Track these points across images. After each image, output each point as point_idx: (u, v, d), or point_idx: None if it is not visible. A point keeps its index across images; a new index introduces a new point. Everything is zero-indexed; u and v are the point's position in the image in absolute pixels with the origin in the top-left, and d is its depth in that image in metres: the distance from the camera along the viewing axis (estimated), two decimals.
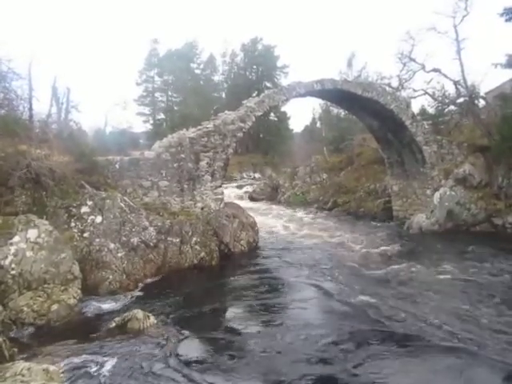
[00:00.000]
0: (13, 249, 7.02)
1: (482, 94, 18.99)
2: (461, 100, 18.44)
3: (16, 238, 7.15)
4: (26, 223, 7.42)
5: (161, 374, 5.14)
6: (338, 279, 9.22)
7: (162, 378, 5.06)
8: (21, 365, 3.85)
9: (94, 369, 5.16)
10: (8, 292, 6.68)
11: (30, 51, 17.78)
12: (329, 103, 32.10)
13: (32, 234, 7.34)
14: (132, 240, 9.24)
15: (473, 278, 8.98)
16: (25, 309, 6.60)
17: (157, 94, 59.29)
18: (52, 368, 3.79)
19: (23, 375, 3.39)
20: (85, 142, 15.30)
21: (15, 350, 5.18)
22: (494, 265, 9.96)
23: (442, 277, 9.17)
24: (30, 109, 16.64)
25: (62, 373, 4.44)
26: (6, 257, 6.89)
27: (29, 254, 7.12)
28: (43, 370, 3.72)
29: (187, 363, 5.44)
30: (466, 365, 5.28)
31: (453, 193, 14.91)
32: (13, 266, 6.89)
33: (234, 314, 7.39)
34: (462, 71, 17.48)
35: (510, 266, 9.76)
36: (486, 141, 15.95)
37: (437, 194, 15.15)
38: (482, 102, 18.90)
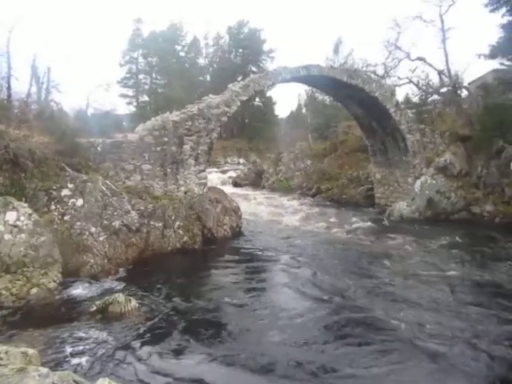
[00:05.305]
0: None
1: (465, 84, 19.24)
2: (444, 89, 18.66)
3: None
4: (4, 205, 7.28)
5: (141, 357, 5.16)
6: (315, 264, 9.40)
7: (142, 361, 5.08)
8: None
9: (74, 352, 5.15)
10: None
11: (8, 27, 17.13)
12: (314, 89, 32.03)
13: (11, 216, 7.22)
14: (114, 224, 9.16)
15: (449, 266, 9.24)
16: (3, 292, 6.52)
17: (141, 76, 58.18)
18: (31, 351, 3.74)
19: (1, 358, 3.35)
20: (66, 122, 14.93)
21: None
22: (468, 250, 10.31)
23: (415, 263, 9.42)
24: (9, 88, 16.18)
25: (41, 356, 4.41)
26: None
27: (7, 236, 7.01)
28: (22, 353, 3.68)
29: (168, 346, 5.48)
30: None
31: (433, 181, 15.16)
32: None
33: (216, 296, 7.45)
34: (447, 61, 17.71)
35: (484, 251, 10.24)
36: (468, 130, 16.19)
37: (418, 183, 15.39)
38: (464, 92, 19.17)
